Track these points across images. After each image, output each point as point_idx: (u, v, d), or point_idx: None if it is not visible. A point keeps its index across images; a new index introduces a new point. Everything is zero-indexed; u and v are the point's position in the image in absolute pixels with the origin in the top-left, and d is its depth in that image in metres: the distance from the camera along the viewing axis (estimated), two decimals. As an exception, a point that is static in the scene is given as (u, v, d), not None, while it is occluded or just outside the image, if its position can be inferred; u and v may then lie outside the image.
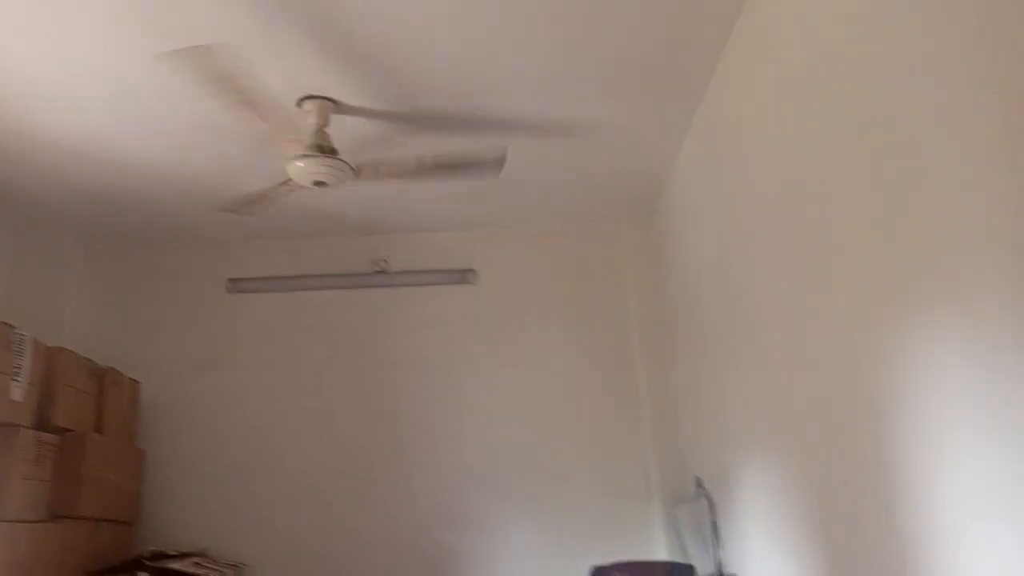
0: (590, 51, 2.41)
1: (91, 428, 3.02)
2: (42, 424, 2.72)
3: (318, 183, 2.54)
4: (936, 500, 1.39)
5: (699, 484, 3.19)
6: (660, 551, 3.36)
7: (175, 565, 2.96)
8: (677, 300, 3.46)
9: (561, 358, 3.71)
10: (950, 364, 1.33)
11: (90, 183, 3.19)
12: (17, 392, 2.56)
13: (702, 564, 2.99)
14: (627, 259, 3.82)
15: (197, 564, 3.07)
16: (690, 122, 2.88)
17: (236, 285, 3.85)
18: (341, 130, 2.64)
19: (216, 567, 3.13)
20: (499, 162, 2.67)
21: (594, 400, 3.65)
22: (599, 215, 3.81)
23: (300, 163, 2.48)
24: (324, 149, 2.49)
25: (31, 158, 2.96)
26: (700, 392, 3.16)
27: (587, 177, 3.37)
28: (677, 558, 3.20)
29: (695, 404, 3.27)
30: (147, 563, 2.92)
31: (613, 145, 3.06)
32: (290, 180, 2.56)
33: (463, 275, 3.85)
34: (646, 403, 3.59)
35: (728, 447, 2.81)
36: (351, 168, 2.55)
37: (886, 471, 1.57)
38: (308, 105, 2.55)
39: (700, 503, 3.12)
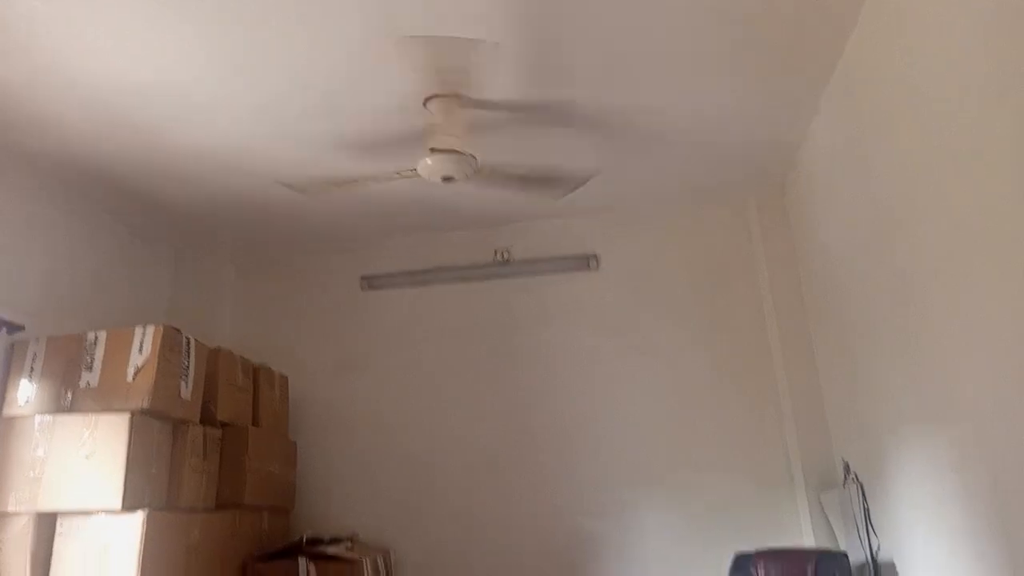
0: (716, 23, 2.32)
1: (249, 422, 3.23)
2: (206, 419, 2.93)
3: (446, 178, 2.59)
4: None
5: (847, 469, 3.05)
6: (807, 538, 3.24)
7: (331, 550, 3.13)
8: (815, 279, 3.30)
9: (692, 342, 3.63)
10: None
11: (237, 193, 3.40)
12: (185, 391, 2.77)
13: (853, 551, 2.85)
14: (758, 239, 3.68)
15: (349, 548, 3.23)
16: (823, 91, 2.73)
17: (369, 282, 4.02)
18: (464, 118, 2.68)
19: (367, 552, 3.28)
20: (584, 179, 2.70)
21: (730, 385, 3.55)
22: (725, 195, 3.68)
23: (428, 160, 2.54)
24: (453, 145, 2.54)
25: (185, 172, 3.18)
26: (846, 374, 3.00)
27: (714, 155, 3.26)
28: (826, 545, 3.08)
29: (840, 387, 3.11)
30: (305, 547, 3.10)
31: (740, 120, 2.95)
32: (414, 175, 2.62)
33: (586, 261, 3.83)
34: (786, 387, 3.45)
35: (879, 430, 2.66)
36: (477, 161, 2.58)
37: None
38: (433, 104, 2.60)
39: (849, 489, 2.98)
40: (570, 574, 3.44)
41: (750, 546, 2.89)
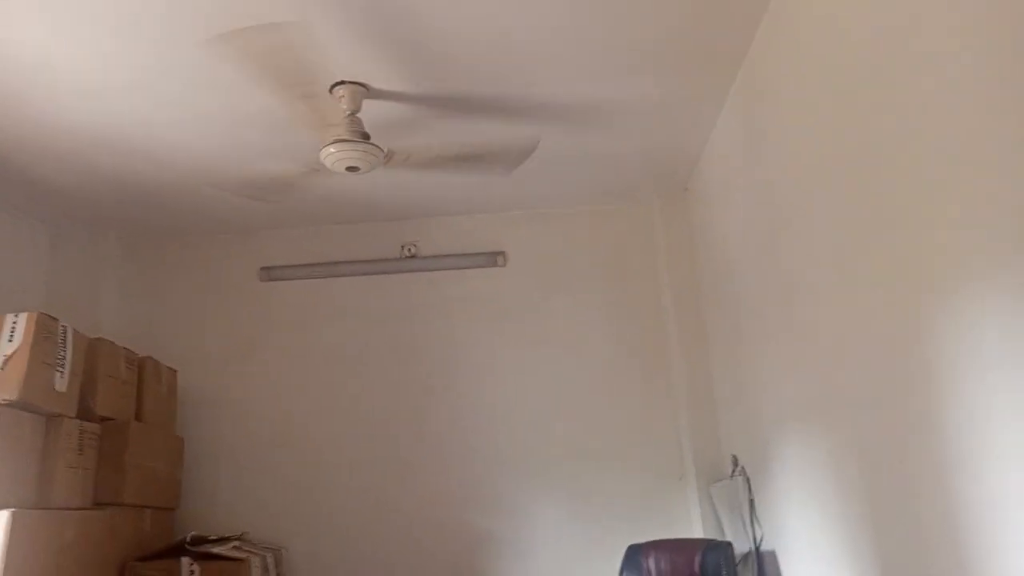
0: (619, 25, 2.37)
1: (131, 417, 3.06)
2: (84, 414, 2.75)
3: (351, 168, 2.54)
4: (989, 470, 1.37)
5: (735, 462, 3.18)
6: (696, 530, 3.36)
7: (216, 549, 3.01)
8: (712, 276, 3.44)
9: (594, 338, 3.71)
10: (998, 332, 1.30)
11: (123, 175, 3.22)
12: (61, 383, 2.59)
13: (739, 542, 2.98)
14: (659, 237, 3.79)
15: (237, 548, 3.12)
16: (725, 96, 2.84)
17: (268, 273, 3.89)
18: (372, 114, 2.64)
19: (255, 550, 3.18)
20: (526, 152, 2.66)
21: (628, 380, 3.65)
22: (630, 194, 3.78)
23: (332, 148, 2.48)
24: (356, 134, 2.49)
25: (64, 152, 2.98)
26: (736, 369, 3.14)
27: (617, 155, 3.34)
28: (714, 536, 3.20)
29: (730, 381, 3.25)
30: (189, 548, 2.97)
31: (643, 122, 3.03)
32: (319, 166, 2.56)
33: (493, 258, 3.85)
34: (680, 382, 3.57)
35: (765, 424, 2.80)
36: (383, 153, 2.54)
37: (936, 441, 1.55)
38: (340, 90, 2.54)
39: (737, 481, 3.11)
40: (465, 568, 3.46)
41: (642, 538, 2.98)
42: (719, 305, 3.34)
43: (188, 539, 3.01)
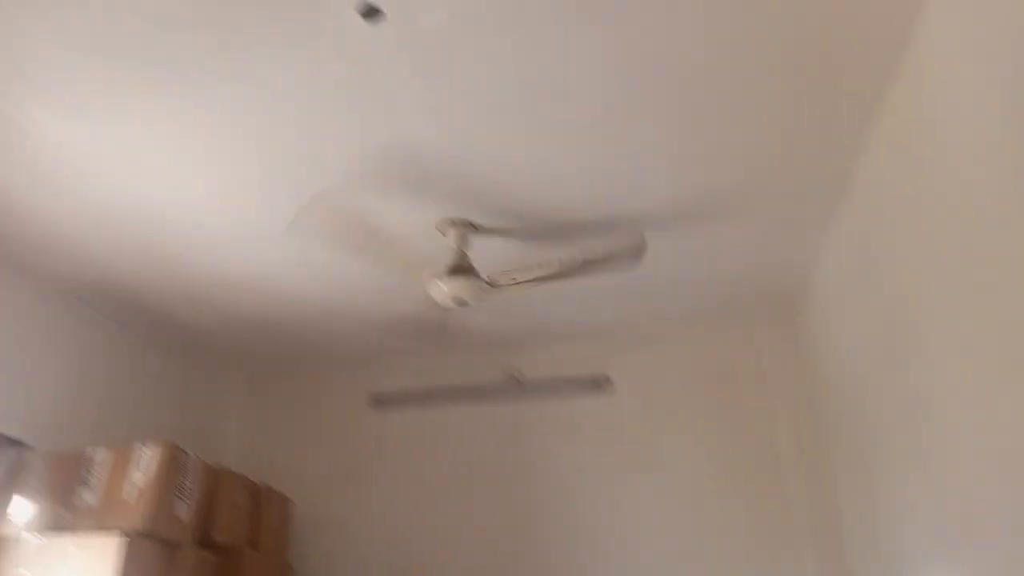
0: (722, 150, 2.39)
1: (246, 544, 3.12)
2: (202, 540, 2.83)
3: (460, 303, 2.61)
4: None
5: (873, 610, 2.87)
6: None
7: None
8: (830, 401, 3.24)
9: (704, 465, 3.54)
10: None
11: (247, 312, 3.45)
12: (183, 511, 2.70)
13: None
14: (770, 361, 3.65)
15: None
16: (832, 215, 2.78)
17: (378, 400, 3.98)
18: (479, 249, 2.74)
19: None
20: (638, 249, 2.62)
21: (741, 508, 3.43)
22: (737, 317, 3.69)
23: (442, 284, 2.57)
24: (464, 270, 2.58)
25: (197, 293, 3.24)
26: (865, 500, 2.89)
27: (723, 279, 3.29)
28: None
29: (859, 513, 2.99)
30: None
31: (750, 243, 2.99)
32: (427, 299, 2.65)
33: (598, 383, 3.80)
34: (801, 512, 3.33)
35: (901, 559, 2.53)
36: (490, 286, 2.61)
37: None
38: (448, 229, 2.66)
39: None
40: None
41: None
42: (839, 427, 3.13)
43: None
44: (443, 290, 2.57)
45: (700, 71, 2.02)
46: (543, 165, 2.43)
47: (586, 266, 2.72)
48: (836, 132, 2.30)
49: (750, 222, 2.80)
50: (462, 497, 3.71)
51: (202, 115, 2.15)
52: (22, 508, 2.61)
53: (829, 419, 3.29)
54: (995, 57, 1.57)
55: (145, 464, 2.61)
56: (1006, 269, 1.61)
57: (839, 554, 3.18)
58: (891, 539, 2.60)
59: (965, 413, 1.94)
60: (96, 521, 2.54)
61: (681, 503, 3.51)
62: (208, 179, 2.46)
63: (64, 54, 1.90)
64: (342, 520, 3.74)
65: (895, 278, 2.35)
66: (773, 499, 3.42)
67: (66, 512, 2.58)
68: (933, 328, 2.11)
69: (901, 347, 2.37)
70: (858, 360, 2.83)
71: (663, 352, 3.80)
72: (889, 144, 2.22)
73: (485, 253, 2.77)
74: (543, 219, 2.73)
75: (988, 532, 1.87)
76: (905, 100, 2.06)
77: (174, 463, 2.67)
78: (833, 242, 2.90)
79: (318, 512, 3.73)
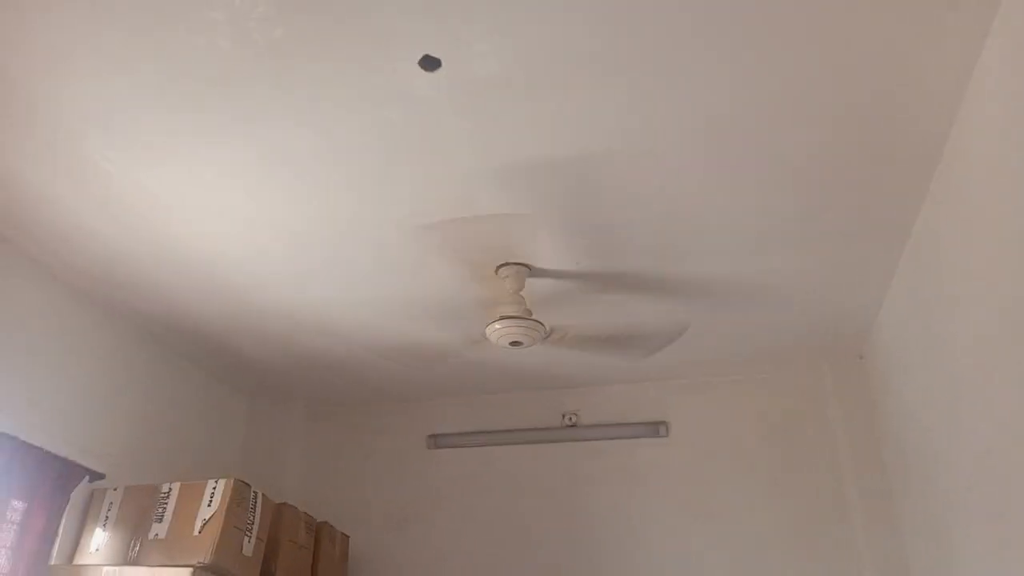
0: (786, 196, 2.41)
1: (306, 581, 3.18)
2: (265, 576, 2.90)
3: (514, 343, 2.66)
4: None
5: (948, 671, 2.73)
6: None
7: None
8: (896, 450, 3.14)
9: (763, 514, 3.46)
10: None
11: (311, 349, 3.56)
12: (248, 547, 2.77)
13: None
14: (832, 407, 3.57)
15: None
16: (897, 259, 2.74)
17: (435, 440, 4.03)
18: (534, 291, 2.79)
19: None
20: (673, 336, 2.71)
21: (803, 563, 3.32)
22: (799, 362, 3.63)
23: (498, 325, 2.62)
24: (520, 312, 2.63)
25: (263, 330, 3.37)
26: (933, 549, 2.77)
27: (783, 324, 3.26)
28: None
29: (927, 563, 2.87)
30: None
31: (810, 291, 2.97)
32: (482, 339, 2.70)
33: (655, 428, 3.77)
34: (867, 560, 3.21)
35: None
36: (545, 329, 2.66)
37: None
38: (506, 271, 2.73)
39: None
40: None
41: None
42: (907, 480, 3.03)
43: None
44: (498, 332, 2.62)
45: (763, 89, 2.01)
46: (603, 209, 2.48)
47: (628, 339, 2.79)
48: (900, 168, 2.28)
49: (813, 261, 2.78)
50: (517, 538, 3.69)
51: (270, 161, 2.27)
52: (98, 539, 2.73)
53: (897, 472, 3.19)
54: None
55: (214, 499, 2.70)
56: None
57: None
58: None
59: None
60: (166, 555, 2.63)
61: (739, 553, 3.42)
62: (274, 222, 2.58)
63: (139, 104, 2.03)
64: (397, 558, 3.76)
65: (956, 321, 2.30)
66: (837, 554, 3.31)
67: (137, 544, 2.68)
68: (995, 385, 2.06)
69: (964, 403, 2.31)
70: (923, 412, 2.75)
71: (723, 397, 3.75)
72: (952, 181, 2.20)
73: (540, 295, 2.83)
74: (599, 266, 2.77)
75: None
76: (967, 135, 2.05)
77: (240, 498, 2.76)
78: (899, 285, 2.85)
79: (374, 550, 3.77)
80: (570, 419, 3.89)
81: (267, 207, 2.50)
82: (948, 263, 2.32)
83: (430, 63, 1.88)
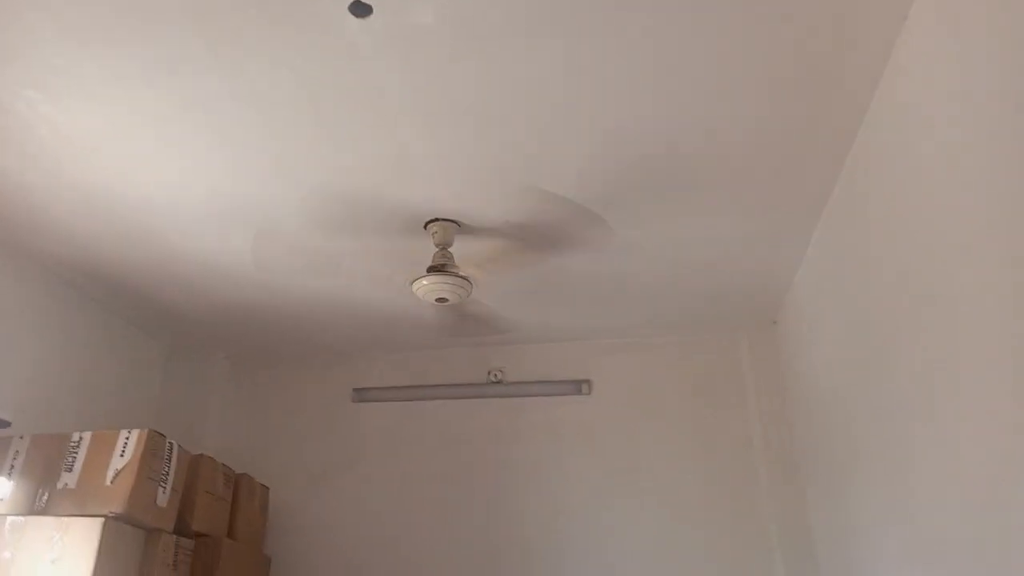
0: (705, 164, 2.46)
1: (224, 533, 3.15)
2: (181, 528, 2.86)
3: (440, 299, 2.67)
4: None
5: (837, 616, 2.94)
6: None
7: (295, 677, 2.98)
8: (805, 412, 3.31)
9: (680, 471, 3.60)
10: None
11: (232, 300, 3.48)
12: (163, 498, 2.73)
13: None
14: (747, 369, 3.72)
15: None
16: (813, 226, 2.85)
17: (360, 395, 4.03)
18: (463, 247, 2.79)
19: None
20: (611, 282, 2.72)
21: (716, 517, 3.49)
22: (717, 326, 3.76)
23: (424, 281, 2.62)
24: (447, 268, 2.63)
25: (184, 278, 3.27)
26: (836, 513, 2.95)
27: (704, 288, 3.36)
28: None
29: (831, 526, 3.05)
30: (268, 673, 2.96)
31: (730, 252, 3.06)
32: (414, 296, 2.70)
33: (578, 386, 3.86)
34: (774, 523, 3.39)
35: (867, 571, 2.59)
36: (471, 285, 2.67)
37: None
38: (434, 227, 2.71)
39: (839, 637, 2.86)
40: None
41: None
42: (813, 442, 3.20)
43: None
44: (425, 287, 2.62)
45: (689, 61, 2.04)
46: (522, 161, 2.48)
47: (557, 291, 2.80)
48: (819, 140, 2.35)
49: (731, 228, 2.86)
50: (441, 493, 3.75)
51: (193, 106, 2.18)
52: (3, 489, 2.64)
53: (804, 430, 3.36)
54: (975, 68, 1.63)
55: (127, 449, 2.64)
56: (981, 283, 1.66)
57: (810, 568, 3.23)
58: (860, 555, 2.66)
59: (927, 437, 2.00)
60: (76, 504, 2.56)
61: (657, 507, 3.55)
62: (197, 168, 2.49)
63: (60, 42, 1.93)
64: (319, 512, 3.77)
65: (869, 290, 2.41)
66: (747, 509, 3.48)
67: (45, 494, 2.60)
68: (900, 350, 2.17)
69: (871, 367, 2.43)
70: (829, 372, 2.90)
71: (644, 358, 3.86)
72: (868, 155, 2.28)
73: (468, 252, 2.83)
74: (527, 218, 2.79)
75: (951, 551, 1.92)
76: (885, 111, 2.12)
77: (154, 448, 2.71)
78: (814, 251, 2.96)
79: (295, 504, 3.77)
80: (495, 375, 3.94)
81: (189, 154, 2.41)
82: (863, 231, 2.42)
83: (361, 9, 1.83)
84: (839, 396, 2.81)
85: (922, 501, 2.10)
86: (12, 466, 2.69)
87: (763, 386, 3.64)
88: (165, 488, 2.75)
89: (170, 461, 2.79)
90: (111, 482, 2.58)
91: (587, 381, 3.86)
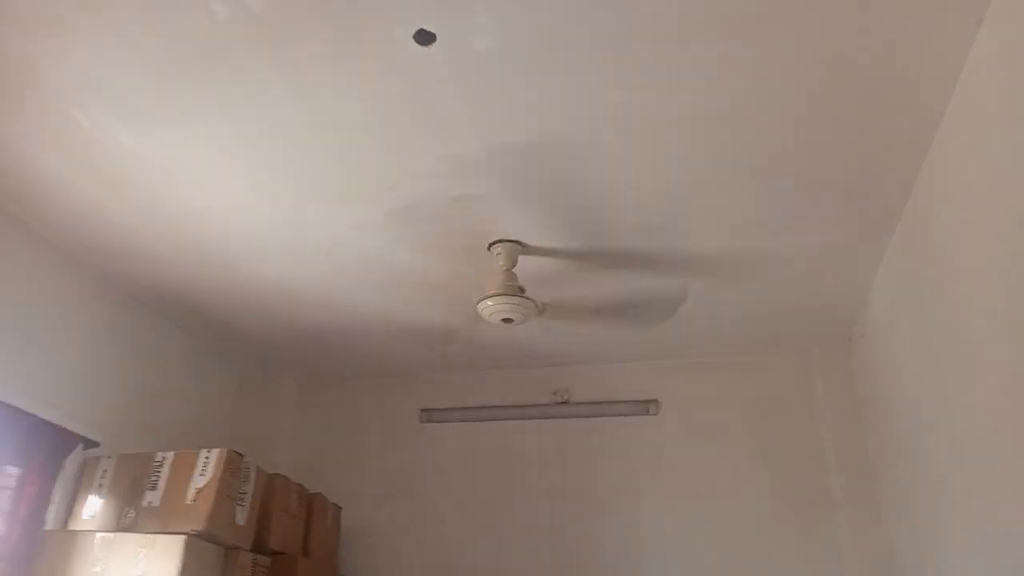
0: (777, 179, 2.42)
1: (299, 551, 3.21)
2: (258, 546, 2.93)
3: (506, 320, 2.68)
4: None
5: (924, 648, 2.80)
6: None
7: None
8: (882, 434, 3.19)
9: (748, 495, 3.52)
10: None
11: (302, 323, 3.58)
12: (241, 516, 2.81)
13: None
14: (820, 390, 3.62)
15: None
16: (887, 244, 2.76)
17: (428, 415, 4.07)
18: (527, 269, 2.81)
19: None
20: (673, 306, 2.71)
21: (786, 543, 3.39)
22: (788, 344, 3.67)
23: (490, 302, 2.64)
24: (512, 289, 2.65)
25: (256, 303, 3.39)
26: (914, 534, 2.82)
27: (775, 306, 3.29)
28: None
29: (909, 548, 2.92)
30: None
31: (802, 273, 2.99)
32: (479, 318, 2.73)
33: (645, 406, 3.81)
34: (850, 550, 3.28)
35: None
36: (536, 306, 2.68)
37: None
38: (498, 248, 2.74)
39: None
40: None
41: None
42: (891, 465, 3.08)
43: None
44: (490, 308, 2.64)
45: (772, 75, 2.01)
46: (591, 188, 2.49)
47: (625, 309, 2.80)
48: (893, 151, 2.29)
49: (802, 250, 2.81)
50: (507, 513, 3.75)
51: (268, 134, 2.27)
52: (92, 506, 2.77)
53: (881, 454, 3.24)
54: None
55: (207, 467, 2.73)
56: None
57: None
58: None
59: (1005, 461, 1.92)
60: (159, 522, 2.66)
61: (725, 531, 3.48)
62: (268, 193, 2.59)
63: (134, 72, 2.02)
64: (389, 531, 3.82)
65: (943, 306, 2.32)
66: (822, 534, 3.38)
67: (132, 511, 2.72)
68: (974, 371, 2.09)
69: (945, 388, 2.34)
70: (909, 395, 2.79)
71: (713, 377, 3.80)
72: (943, 166, 2.21)
73: (533, 273, 2.85)
74: (591, 244, 2.79)
75: None
76: (959, 120, 2.06)
77: (234, 468, 2.79)
78: (887, 270, 2.88)
79: (366, 522, 3.82)
80: (562, 396, 3.93)
81: (260, 180, 2.51)
82: (937, 247, 2.34)
83: (425, 37, 1.88)
84: (915, 420, 2.71)
85: (999, 532, 2.00)
86: (101, 484, 2.82)
87: (837, 407, 3.54)
88: (244, 506, 2.82)
89: (248, 480, 2.87)
90: (192, 500, 2.67)
91: (654, 401, 3.81)
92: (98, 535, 2.66)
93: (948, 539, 2.49)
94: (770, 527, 3.43)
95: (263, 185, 2.53)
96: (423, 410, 4.09)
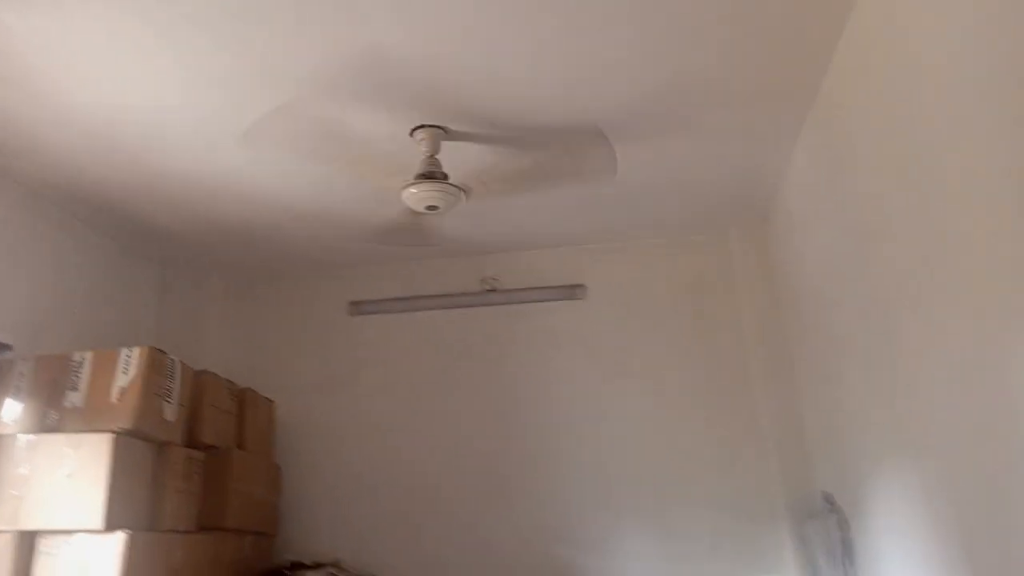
0: (695, 55, 2.40)
1: (233, 445, 3.24)
2: (190, 442, 2.94)
3: (430, 207, 2.65)
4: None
5: (828, 500, 3.07)
6: (788, 570, 3.24)
7: (311, 575, 3.13)
8: (796, 306, 3.36)
9: (675, 371, 3.68)
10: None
11: (223, 218, 3.46)
12: (169, 412, 2.79)
13: (834, 582, 2.86)
14: (740, 267, 3.75)
15: (332, 574, 3.24)
16: (802, 122, 2.81)
17: (357, 308, 4.06)
18: (451, 155, 2.75)
19: (349, 577, 3.28)
20: (608, 163, 2.65)
21: (710, 413, 3.58)
22: (708, 225, 3.76)
23: (413, 189, 2.60)
24: (435, 175, 2.61)
25: (176, 199, 3.25)
26: (826, 401, 3.04)
27: (694, 186, 3.34)
28: (806, 576, 3.09)
29: (821, 414, 3.15)
30: (286, 573, 3.10)
31: (720, 151, 3.02)
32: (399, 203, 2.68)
33: (572, 291, 3.89)
34: (766, 415, 3.49)
35: (858, 459, 2.69)
36: (461, 191, 2.64)
37: (1032, 481, 1.47)
38: (420, 134, 2.67)
39: (830, 520, 2.99)
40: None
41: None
42: (805, 335, 3.26)
43: (286, 564, 3.14)
44: (414, 195, 2.60)
45: None
46: (510, 67, 2.42)
47: (555, 178, 2.77)
48: (808, 34, 2.30)
49: (720, 128, 2.82)
50: (439, 400, 3.83)
51: (173, 18, 2.12)
52: (12, 409, 2.70)
53: (795, 326, 3.41)
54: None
55: (129, 366, 2.68)
56: (969, 181, 1.66)
57: (802, 456, 3.34)
58: (850, 441, 2.75)
59: (917, 328, 2.04)
60: (84, 422, 2.62)
61: (653, 409, 3.63)
62: (178, 82, 2.44)
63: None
64: (323, 422, 3.87)
65: (860, 187, 2.40)
66: (741, 404, 3.56)
67: (55, 413, 2.66)
68: (889, 238, 2.18)
69: (858, 256, 2.45)
70: (821, 265, 2.92)
71: (637, 260, 3.88)
72: (859, 50, 2.23)
73: (457, 159, 2.79)
74: (514, 125, 2.74)
75: (934, 438, 1.99)
76: (871, 12, 2.06)
77: (158, 366, 2.75)
78: (803, 148, 2.93)
79: (300, 415, 3.86)
80: (489, 284, 3.96)
81: (169, 68, 2.35)
82: (852, 124, 2.39)
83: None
84: (828, 289, 2.84)
85: (906, 386, 2.16)
86: (18, 387, 2.74)
87: (754, 282, 3.68)
88: (171, 403, 2.81)
89: (174, 377, 2.84)
90: (117, 399, 2.63)
91: (581, 286, 3.89)
92: (21, 437, 2.61)
93: (853, 399, 2.69)
94: (694, 403, 3.60)
95: (169, 73, 2.37)
96: (352, 303, 4.07)
